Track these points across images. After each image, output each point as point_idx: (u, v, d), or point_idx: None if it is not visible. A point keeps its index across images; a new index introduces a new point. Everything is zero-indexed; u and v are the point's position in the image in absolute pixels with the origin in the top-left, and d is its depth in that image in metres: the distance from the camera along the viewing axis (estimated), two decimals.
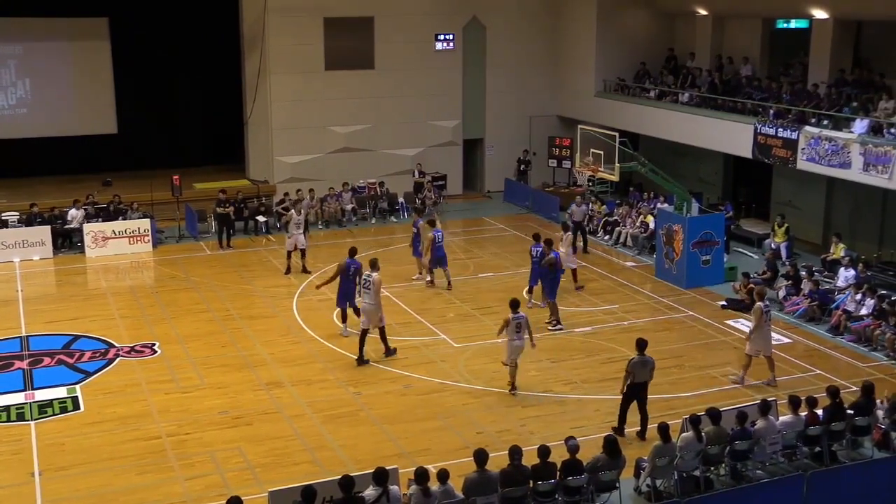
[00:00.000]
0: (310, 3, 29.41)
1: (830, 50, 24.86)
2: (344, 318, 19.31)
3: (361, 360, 17.69)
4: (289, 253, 23.48)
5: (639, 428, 14.66)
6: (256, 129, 30.43)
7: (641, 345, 14.67)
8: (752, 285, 20.96)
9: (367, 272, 17.94)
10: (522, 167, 32.08)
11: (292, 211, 23.88)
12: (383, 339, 17.96)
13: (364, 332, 17.71)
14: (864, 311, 19.20)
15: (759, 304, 16.92)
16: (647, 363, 14.62)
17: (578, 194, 27.45)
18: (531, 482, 11.83)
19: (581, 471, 12.08)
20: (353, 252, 19.18)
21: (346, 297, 18.95)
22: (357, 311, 18.63)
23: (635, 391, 14.61)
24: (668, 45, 31.09)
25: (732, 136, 25.46)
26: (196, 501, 13.03)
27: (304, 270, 23.44)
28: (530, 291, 21.07)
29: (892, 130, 21.03)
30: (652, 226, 24.96)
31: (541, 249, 20.27)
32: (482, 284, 22.19)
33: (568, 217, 24.76)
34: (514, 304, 16.41)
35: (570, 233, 22.16)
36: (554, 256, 19.75)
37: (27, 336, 19.43)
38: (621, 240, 26.16)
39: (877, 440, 14.03)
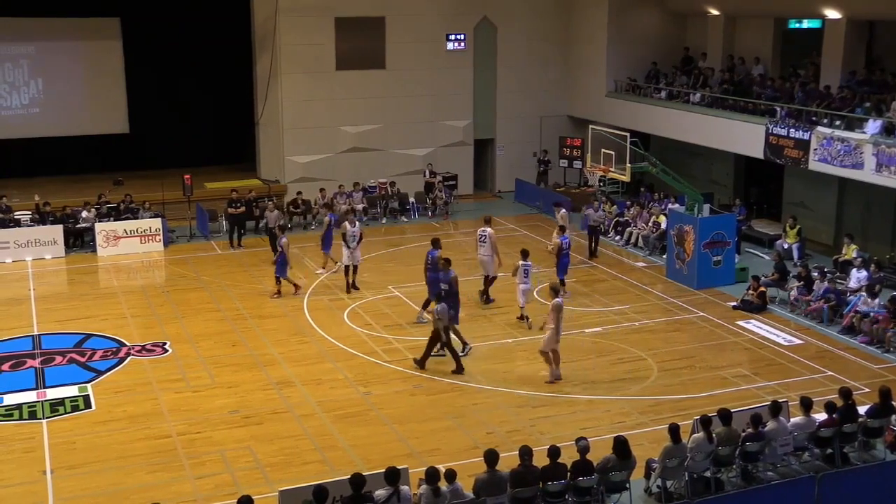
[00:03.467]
0: (321, 3, 29.44)
1: (843, 50, 24.74)
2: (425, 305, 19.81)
3: (488, 300, 20.85)
4: (346, 269, 21.94)
5: (419, 357, 17.41)
6: (267, 129, 30.49)
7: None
8: (762, 288, 20.92)
9: (482, 228, 21.01)
10: (542, 167, 32.02)
11: (346, 223, 21.94)
12: (487, 288, 20.90)
13: (485, 278, 20.83)
14: (874, 312, 19.10)
15: (557, 300, 16.73)
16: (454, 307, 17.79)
17: (591, 196, 27.39)
18: (541, 483, 11.81)
19: (591, 471, 12.05)
20: (435, 243, 19.93)
21: (430, 286, 19.57)
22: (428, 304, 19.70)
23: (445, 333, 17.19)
24: (679, 45, 30.98)
25: (744, 136, 25.36)
26: (206, 500, 13.06)
27: (353, 288, 21.93)
28: (563, 284, 21.49)
29: None
30: (663, 226, 24.90)
31: (568, 241, 21.71)
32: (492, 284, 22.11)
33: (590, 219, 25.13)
34: (524, 253, 19.40)
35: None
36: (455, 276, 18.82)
37: (39, 335, 19.51)
38: (632, 240, 26.10)
39: (889, 442, 13.93)
